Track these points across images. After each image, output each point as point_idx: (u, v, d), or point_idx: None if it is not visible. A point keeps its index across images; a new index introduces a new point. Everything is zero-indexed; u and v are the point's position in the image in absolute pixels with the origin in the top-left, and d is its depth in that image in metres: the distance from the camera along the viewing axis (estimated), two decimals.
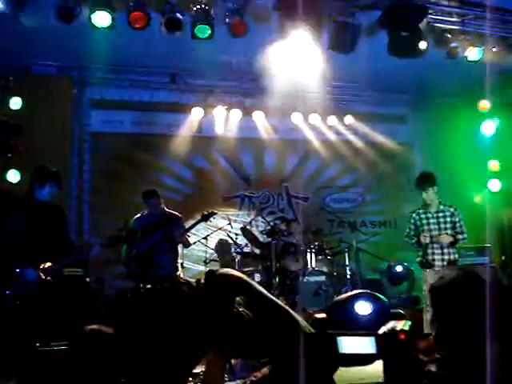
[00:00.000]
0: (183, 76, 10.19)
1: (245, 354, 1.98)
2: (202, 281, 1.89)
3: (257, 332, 1.87)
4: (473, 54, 8.03)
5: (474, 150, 10.76)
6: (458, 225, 7.62)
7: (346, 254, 9.42)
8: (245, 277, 1.94)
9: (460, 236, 7.57)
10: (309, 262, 9.03)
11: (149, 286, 1.76)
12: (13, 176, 8.63)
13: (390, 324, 1.77)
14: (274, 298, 1.96)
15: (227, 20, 7.27)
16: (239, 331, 1.83)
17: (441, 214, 7.63)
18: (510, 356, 1.86)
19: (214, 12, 7.24)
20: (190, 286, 1.78)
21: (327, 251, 9.32)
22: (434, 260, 7.49)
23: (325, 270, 8.94)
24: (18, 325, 5.60)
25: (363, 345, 1.69)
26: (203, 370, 1.90)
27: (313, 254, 9.10)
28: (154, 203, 7.55)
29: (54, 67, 9.57)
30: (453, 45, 7.98)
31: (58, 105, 9.39)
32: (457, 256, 7.60)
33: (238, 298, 1.87)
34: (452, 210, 7.66)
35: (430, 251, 7.51)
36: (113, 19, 6.86)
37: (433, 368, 1.87)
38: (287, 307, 1.93)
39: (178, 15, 7.05)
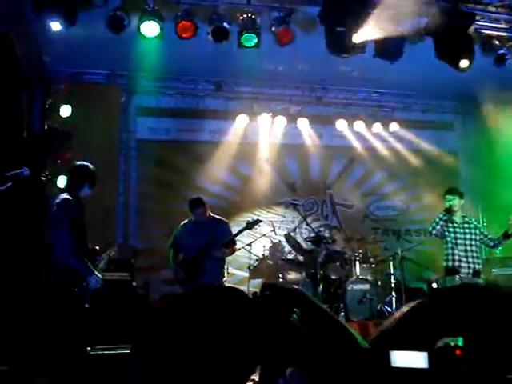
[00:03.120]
0: (229, 84, 10.29)
1: (298, 367, 2.00)
2: (258, 293, 1.92)
3: (311, 346, 1.90)
4: None
5: None
6: (486, 233, 7.88)
7: (391, 263, 9.35)
8: (301, 289, 1.97)
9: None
10: (353, 270, 8.99)
11: (204, 297, 1.78)
12: (62, 182, 8.81)
13: (444, 339, 1.77)
14: (330, 312, 1.97)
15: (273, 29, 7.33)
16: (293, 344, 1.86)
17: (466, 226, 7.76)
18: None
19: (261, 21, 7.32)
20: (246, 298, 1.82)
21: (371, 259, 9.26)
22: (460, 267, 7.55)
23: (369, 278, 8.88)
24: (68, 328, 5.66)
25: (416, 359, 1.70)
26: (255, 380, 1.93)
27: (357, 262, 9.06)
28: (200, 212, 7.57)
29: (102, 75, 9.77)
30: (501, 52, 7.89)
31: (106, 112, 9.59)
32: (481, 267, 7.66)
33: (293, 312, 1.90)
34: (475, 223, 7.92)
35: (456, 257, 7.58)
36: (161, 29, 6.97)
37: None
38: (343, 322, 1.95)
39: (225, 24, 7.14)
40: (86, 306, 5.58)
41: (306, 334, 1.84)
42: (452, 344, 1.72)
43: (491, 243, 7.78)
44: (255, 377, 1.84)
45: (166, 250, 7.82)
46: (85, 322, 5.58)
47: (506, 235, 7.53)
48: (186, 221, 7.82)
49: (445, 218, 7.63)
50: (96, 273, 5.65)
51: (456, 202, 7.65)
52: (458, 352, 1.71)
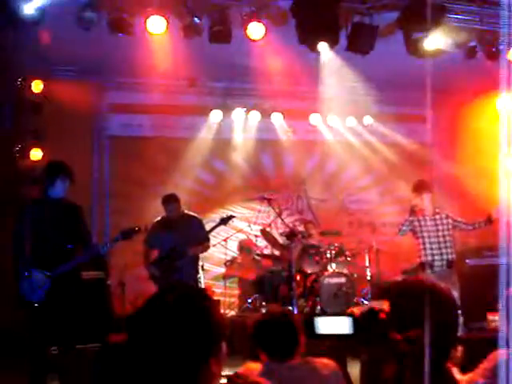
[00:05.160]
0: (201, 79, 10.22)
1: None
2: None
3: None
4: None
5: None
6: (459, 219, 7.79)
7: (366, 256, 9.39)
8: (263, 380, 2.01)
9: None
10: (329, 264, 9.02)
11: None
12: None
13: (369, 304, 1.84)
14: None
15: (244, 23, 7.29)
16: None
17: (437, 217, 7.71)
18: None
19: (232, 15, 7.28)
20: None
21: (347, 253, 9.30)
22: (433, 261, 7.55)
23: (345, 271, 8.92)
24: (34, 327, 5.61)
25: (340, 325, 1.74)
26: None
27: (333, 256, 9.09)
28: (173, 207, 7.56)
29: (73, 72, 9.64)
30: (472, 44, 7.95)
31: (78, 109, 9.47)
32: (454, 256, 7.67)
33: None
34: (446, 212, 7.84)
35: (428, 252, 7.56)
36: (131, 25, 6.91)
37: (406, 346, 1.93)
38: None
39: (196, 20, 7.09)
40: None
41: None
42: (376, 308, 1.76)
43: (470, 227, 7.75)
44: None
45: (140, 248, 7.79)
46: (39, 320, 5.56)
47: (489, 220, 7.51)
48: (159, 218, 7.79)
49: (411, 219, 7.68)
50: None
51: (425, 199, 7.64)
52: (381, 315, 1.75)
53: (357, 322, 1.73)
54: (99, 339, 6.20)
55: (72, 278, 5.87)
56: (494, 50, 8.03)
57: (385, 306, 1.81)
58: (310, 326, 1.71)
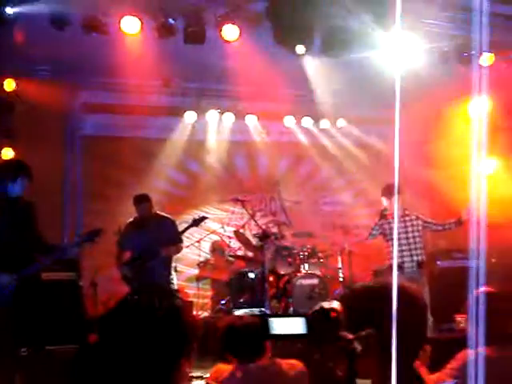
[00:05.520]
0: (176, 80, 10.20)
1: None
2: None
3: None
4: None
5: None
6: (429, 220, 7.90)
7: (339, 257, 9.43)
8: None
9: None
10: (301, 265, 9.06)
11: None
12: None
13: (320, 304, 1.87)
14: None
15: (219, 24, 7.31)
16: None
17: (407, 218, 7.77)
18: None
19: (206, 16, 7.29)
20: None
21: (320, 254, 9.34)
22: (403, 263, 7.58)
23: (317, 272, 8.96)
24: (1, 329, 5.54)
25: (294, 325, 1.79)
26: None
27: (305, 257, 9.13)
28: (144, 208, 7.53)
29: (47, 71, 9.55)
30: (444, 48, 8.06)
31: (51, 109, 9.39)
32: (424, 257, 7.75)
33: None
34: (416, 213, 7.89)
35: (398, 254, 7.54)
36: (105, 25, 6.90)
37: (358, 346, 1.96)
38: None
39: (171, 20, 7.09)
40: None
41: None
42: (326, 306, 1.80)
43: (440, 227, 7.82)
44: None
45: (113, 249, 7.75)
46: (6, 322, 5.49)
47: (459, 221, 7.55)
48: (131, 219, 7.76)
49: (380, 222, 7.72)
50: None
51: (394, 202, 7.63)
52: (332, 314, 1.80)
53: (310, 320, 1.76)
54: (71, 340, 6.16)
55: (37, 278, 5.79)
56: (466, 54, 8.14)
57: (335, 304, 1.85)
58: (265, 326, 1.74)
